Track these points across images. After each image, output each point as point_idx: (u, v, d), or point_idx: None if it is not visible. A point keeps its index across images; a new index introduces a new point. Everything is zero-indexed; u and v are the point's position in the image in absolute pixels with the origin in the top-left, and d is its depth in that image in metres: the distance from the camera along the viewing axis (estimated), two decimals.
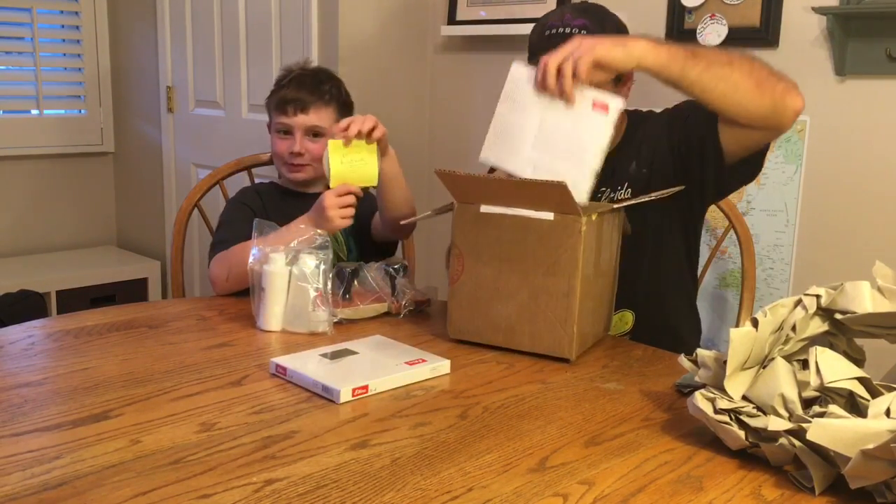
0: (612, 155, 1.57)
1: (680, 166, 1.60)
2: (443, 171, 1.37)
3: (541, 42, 1.55)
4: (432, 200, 2.71)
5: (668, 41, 1.42)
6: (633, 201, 1.42)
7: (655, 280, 1.67)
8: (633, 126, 1.67)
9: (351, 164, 1.52)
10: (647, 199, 1.41)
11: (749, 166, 1.56)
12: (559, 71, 1.35)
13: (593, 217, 1.32)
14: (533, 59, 1.56)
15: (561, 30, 1.55)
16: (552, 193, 1.27)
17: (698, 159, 1.57)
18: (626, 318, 1.66)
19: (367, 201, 1.93)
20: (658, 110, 1.70)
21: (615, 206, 1.40)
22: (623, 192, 1.63)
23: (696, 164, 1.57)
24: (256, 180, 2.13)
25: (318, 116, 1.73)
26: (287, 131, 1.73)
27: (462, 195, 1.38)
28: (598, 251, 1.36)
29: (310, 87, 1.73)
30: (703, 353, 1.09)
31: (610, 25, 1.58)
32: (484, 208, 1.36)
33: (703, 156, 1.56)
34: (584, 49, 1.34)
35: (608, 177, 1.59)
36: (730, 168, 1.55)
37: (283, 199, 1.79)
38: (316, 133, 1.74)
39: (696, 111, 1.53)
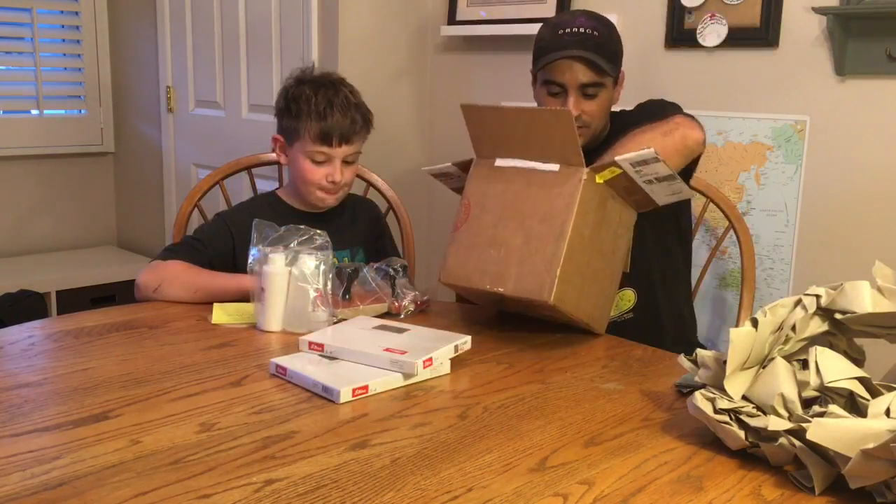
0: (593, 154, 1.59)
1: None
2: (467, 105, 1.43)
3: (553, 40, 1.63)
4: (432, 200, 2.71)
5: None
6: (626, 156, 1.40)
7: (656, 262, 1.72)
8: (613, 126, 1.74)
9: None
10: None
11: None
12: None
13: (599, 179, 1.32)
14: (542, 56, 1.64)
15: (574, 29, 1.62)
16: (556, 122, 1.30)
17: None
18: (629, 297, 1.70)
19: (375, 222, 1.91)
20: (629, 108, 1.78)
21: (624, 157, 1.36)
22: None
23: None
24: (257, 181, 2.13)
25: (358, 144, 1.71)
26: (325, 160, 1.68)
27: (479, 143, 1.41)
28: (598, 221, 1.36)
29: (353, 116, 1.68)
30: (703, 353, 1.09)
31: (615, 37, 1.68)
32: (499, 162, 1.37)
33: None
34: None
35: None
36: None
37: (284, 219, 1.72)
38: (349, 161, 1.70)
39: (657, 108, 1.66)
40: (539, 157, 1.34)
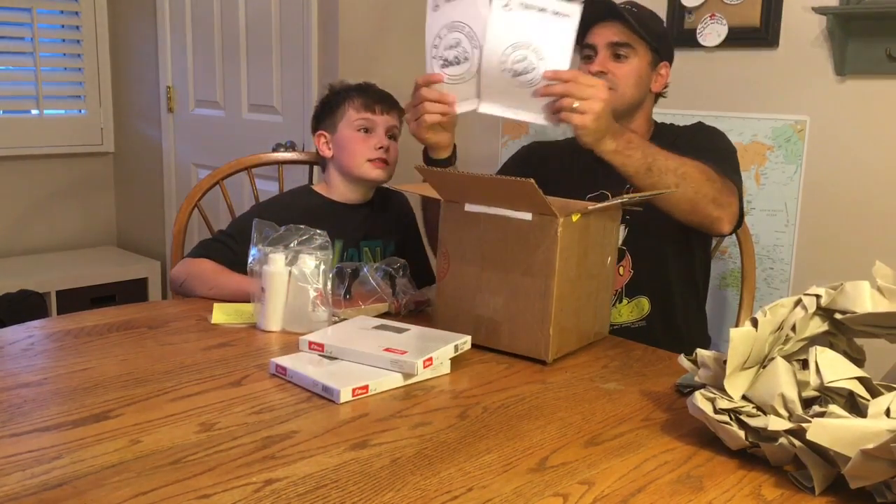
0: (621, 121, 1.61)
1: None
2: (422, 167, 1.40)
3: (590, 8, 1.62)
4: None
5: (649, 148, 1.48)
6: (616, 201, 1.41)
7: (673, 274, 1.72)
8: (654, 137, 1.72)
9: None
10: (637, 197, 1.42)
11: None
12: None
13: (574, 218, 1.30)
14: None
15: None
16: (521, 190, 1.27)
17: None
18: (643, 305, 1.70)
19: (405, 210, 1.92)
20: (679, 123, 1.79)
21: (594, 206, 1.37)
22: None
23: None
24: (257, 181, 2.13)
25: (396, 117, 1.80)
26: (368, 129, 1.76)
27: (443, 192, 1.39)
28: (582, 252, 1.35)
29: (387, 94, 1.82)
30: (703, 353, 1.09)
31: (657, 19, 1.74)
32: (468, 207, 1.36)
33: None
34: (591, 105, 1.40)
35: None
36: None
37: (320, 210, 1.77)
38: (392, 135, 1.79)
39: (707, 143, 1.68)
40: (509, 206, 1.32)
